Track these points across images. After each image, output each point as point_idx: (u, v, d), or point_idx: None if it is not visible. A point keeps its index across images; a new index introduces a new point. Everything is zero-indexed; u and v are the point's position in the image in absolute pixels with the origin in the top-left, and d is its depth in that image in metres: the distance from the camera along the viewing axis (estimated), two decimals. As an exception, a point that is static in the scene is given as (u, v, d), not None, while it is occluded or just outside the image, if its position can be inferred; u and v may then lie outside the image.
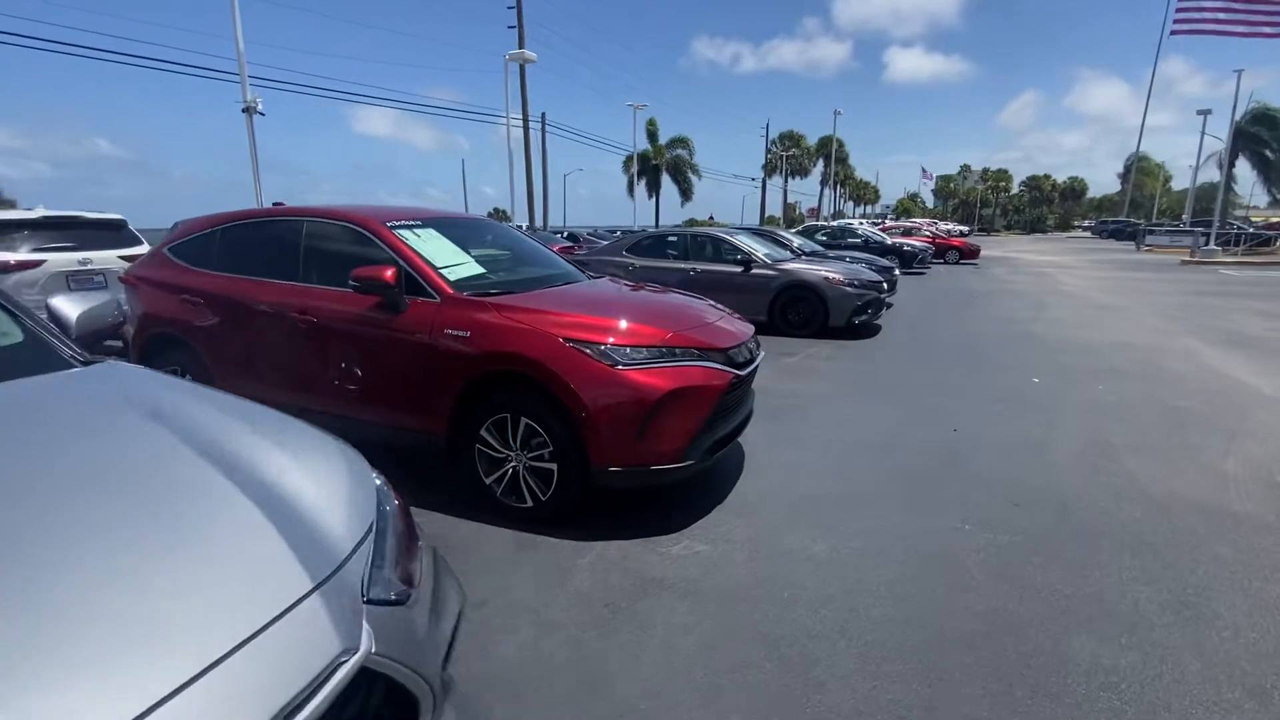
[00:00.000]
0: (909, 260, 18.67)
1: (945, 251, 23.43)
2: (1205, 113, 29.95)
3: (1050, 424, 4.86)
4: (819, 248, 12.50)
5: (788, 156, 50.13)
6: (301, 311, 3.74)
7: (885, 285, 9.04)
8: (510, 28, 30.30)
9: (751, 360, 3.62)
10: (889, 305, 11.56)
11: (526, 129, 31.20)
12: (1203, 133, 30.87)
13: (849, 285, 8.32)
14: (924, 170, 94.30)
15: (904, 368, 6.83)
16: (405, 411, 3.51)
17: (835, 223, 28.01)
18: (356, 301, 3.54)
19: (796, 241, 12.01)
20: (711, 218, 45.29)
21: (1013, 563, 2.90)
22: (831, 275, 8.39)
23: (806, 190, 73.82)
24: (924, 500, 3.57)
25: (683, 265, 9.27)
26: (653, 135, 40.20)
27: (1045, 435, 4.60)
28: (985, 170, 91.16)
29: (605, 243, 11.10)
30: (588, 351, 3.06)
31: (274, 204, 5.25)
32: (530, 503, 3.28)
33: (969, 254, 23.42)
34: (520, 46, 29.00)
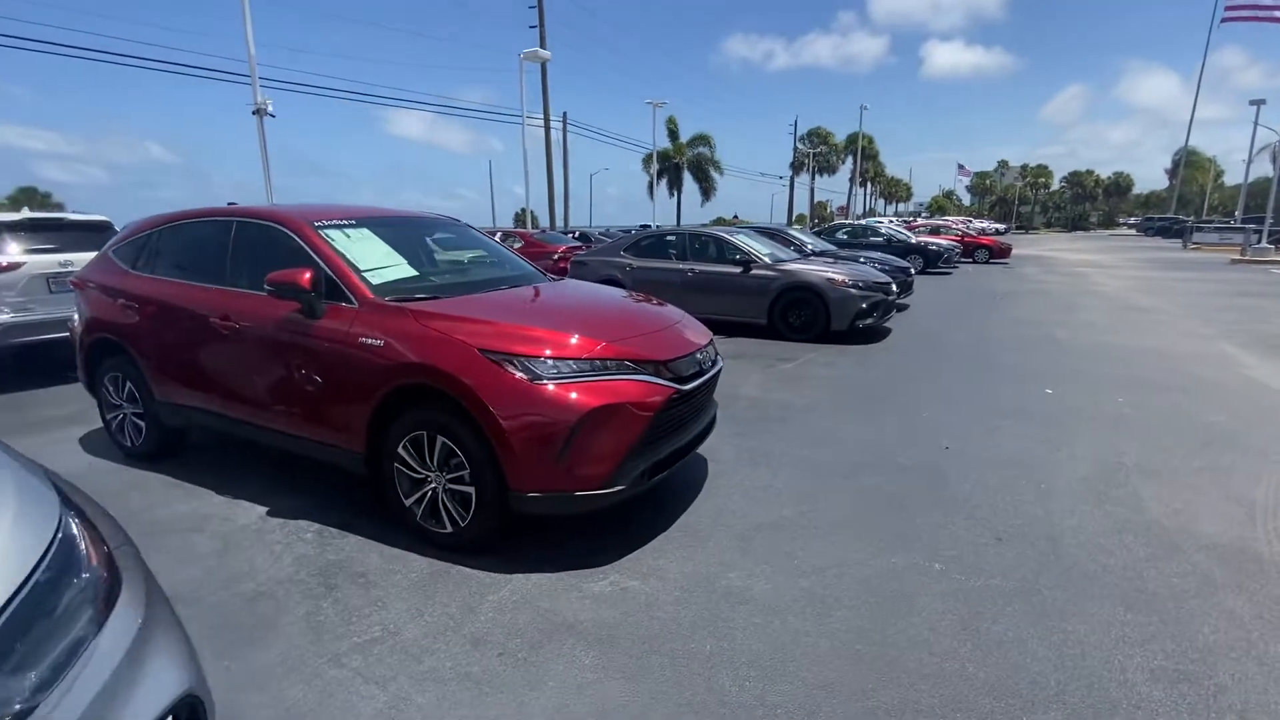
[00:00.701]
0: (933, 260, 17.95)
1: (974, 250, 22.53)
2: (1259, 103, 28.31)
3: (1057, 441, 4.38)
4: (831, 247, 12.00)
5: (815, 154, 49.12)
6: (224, 317, 3.53)
7: (894, 287, 8.53)
8: (531, 27, 30.28)
9: (703, 372, 3.26)
10: (904, 307, 11.03)
11: (548, 129, 31.15)
12: (1255, 124, 29.20)
13: (853, 287, 7.85)
14: (960, 166, 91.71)
15: (906, 376, 6.36)
16: (324, 425, 3.26)
17: (854, 221, 27.24)
18: (275, 307, 3.31)
19: (808, 240, 11.53)
20: (736, 217, 44.68)
21: (982, 614, 2.49)
22: (834, 276, 7.93)
23: (837, 188, 72.40)
24: (895, 531, 3.17)
25: (680, 266, 8.92)
26: (673, 133, 39.72)
27: (1049, 455, 4.14)
28: (1024, 166, 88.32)
29: (606, 243, 10.81)
30: (504, 364, 2.75)
31: (228, 204, 5.07)
32: (449, 528, 2.99)
33: (999, 253, 22.47)
34: (541, 46, 28.93)
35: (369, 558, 3.00)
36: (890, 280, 8.51)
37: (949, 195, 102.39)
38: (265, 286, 3.20)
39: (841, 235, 19.96)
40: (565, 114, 33.91)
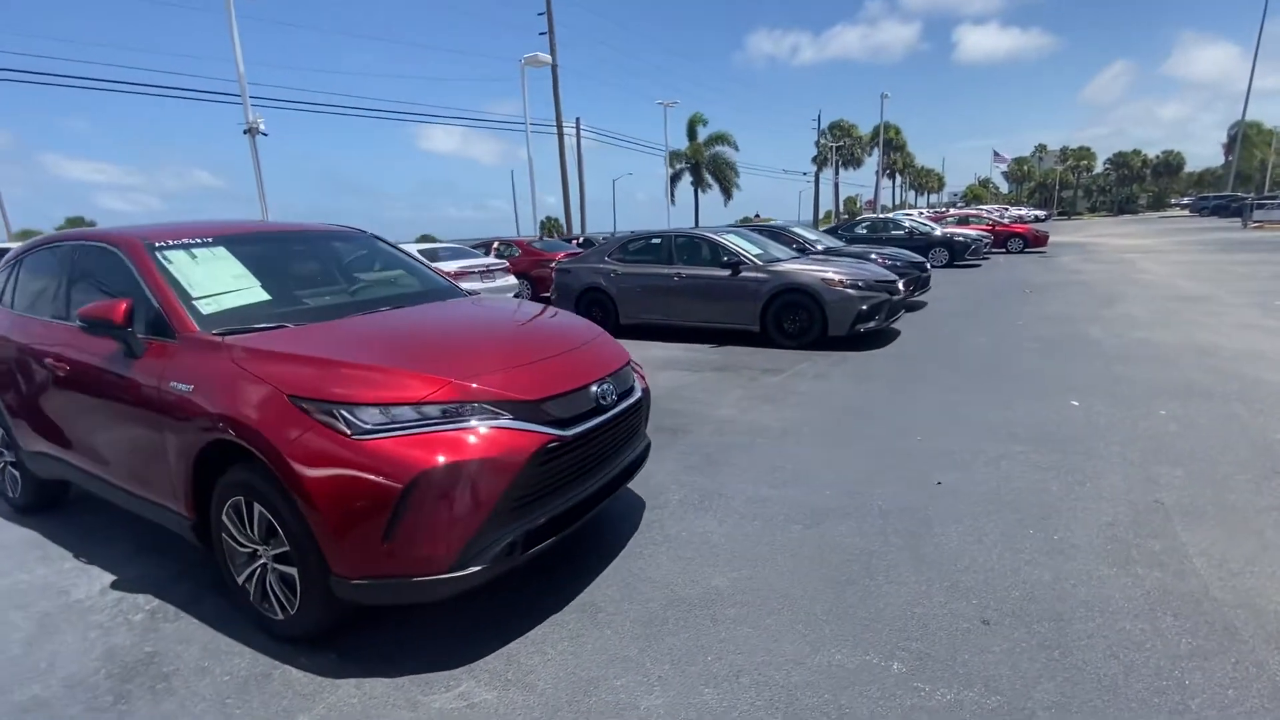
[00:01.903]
0: (959, 252, 16.82)
1: (1006, 240, 21.18)
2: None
3: (1079, 473, 3.57)
4: (839, 244, 11.15)
5: (838, 147, 47.62)
6: (58, 357, 3.03)
7: (901, 285, 7.69)
8: (541, 34, 29.98)
9: (603, 409, 2.60)
10: (919, 306, 10.13)
11: (561, 135, 30.80)
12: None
13: (851, 287, 7.05)
14: (996, 153, 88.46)
15: (908, 389, 5.56)
16: (152, 485, 2.73)
17: (874, 215, 26.10)
18: (102, 345, 2.79)
19: (813, 238, 10.72)
20: (758, 215, 43.62)
21: (943, 755, 1.77)
22: (830, 276, 7.15)
23: (864, 182, 70.29)
24: (850, 609, 2.45)
25: (666, 270, 8.24)
26: (692, 132, 38.92)
27: (1066, 492, 3.34)
28: (1064, 149, 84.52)
29: (592, 249, 10.20)
30: (318, 414, 2.15)
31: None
32: (281, 614, 2.40)
33: (1035, 241, 21.06)
34: (551, 52, 28.64)
35: (189, 650, 2.43)
36: (896, 279, 7.67)
37: (985, 184, 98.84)
38: (77, 321, 2.69)
39: (861, 230, 18.96)
40: (579, 119, 33.52)
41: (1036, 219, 54.37)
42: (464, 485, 2.15)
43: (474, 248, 15.28)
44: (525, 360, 2.58)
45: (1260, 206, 29.87)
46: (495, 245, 14.42)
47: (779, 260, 7.77)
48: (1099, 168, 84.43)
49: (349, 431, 2.12)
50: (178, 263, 2.90)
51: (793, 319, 7.38)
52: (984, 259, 18.64)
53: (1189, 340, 6.75)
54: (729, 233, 8.31)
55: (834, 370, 6.27)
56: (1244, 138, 49.73)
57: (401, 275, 3.84)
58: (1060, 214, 74.13)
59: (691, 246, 8.26)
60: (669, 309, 8.26)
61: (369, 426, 2.13)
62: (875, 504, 3.33)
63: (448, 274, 10.90)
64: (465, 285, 10.91)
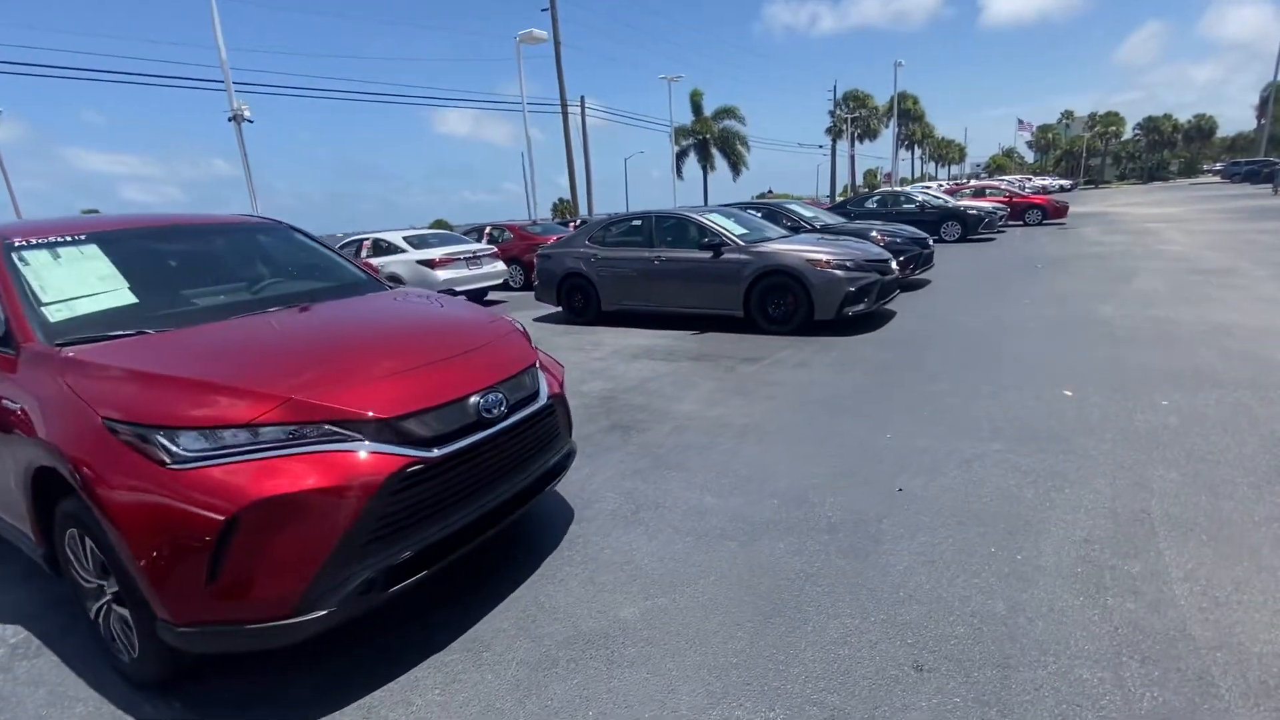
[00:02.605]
0: (972, 225, 16.11)
1: (1025, 212, 20.31)
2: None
3: (1060, 476, 3.20)
4: (840, 220, 10.61)
5: (853, 119, 46.17)
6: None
7: (894, 265, 7.23)
8: (544, 10, 29.27)
9: (486, 423, 2.29)
10: (921, 284, 9.64)
11: (565, 114, 30.22)
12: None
13: (838, 268, 6.62)
14: (1020, 121, 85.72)
15: (890, 378, 5.17)
16: (10, 509, 2.49)
17: (885, 189, 25.31)
18: (-48, 356, 2.54)
19: (809, 215, 10.22)
20: (770, 191, 42.66)
21: None
22: (817, 256, 6.71)
23: (882, 153, 68.20)
24: (766, 650, 2.14)
25: (647, 254, 7.86)
26: (697, 107, 37.88)
27: (1041, 501, 2.97)
28: (1092, 115, 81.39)
29: (573, 232, 9.83)
30: (132, 439, 1.87)
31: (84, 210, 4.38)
32: (126, 657, 2.16)
33: (1054, 212, 20.16)
34: (553, 27, 28.02)
35: (33, 696, 2.21)
36: (888, 258, 7.20)
37: (1010, 153, 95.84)
38: (-91, 333, 2.44)
39: (872, 204, 18.30)
40: (583, 98, 32.83)
41: (1061, 189, 52.47)
42: (300, 519, 1.87)
43: (466, 233, 14.99)
44: (397, 369, 2.27)
45: (1296, 170, 28.33)
46: (488, 230, 14.10)
47: (764, 240, 7.35)
48: (1128, 134, 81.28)
49: (166, 459, 1.84)
50: (35, 265, 2.63)
51: (777, 303, 6.98)
52: (999, 233, 17.90)
53: (1205, 318, 6.24)
54: (711, 212, 7.90)
55: (816, 358, 5.89)
56: (1276, 99, 47.25)
57: (314, 270, 3.54)
58: (1087, 183, 71.59)
59: (672, 228, 7.87)
60: (651, 294, 7.90)
61: (189, 454, 1.85)
62: (825, 516, 3.00)
63: (433, 260, 10.73)
64: (448, 274, 10.68)
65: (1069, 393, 4.39)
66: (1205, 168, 73.97)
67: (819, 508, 3.07)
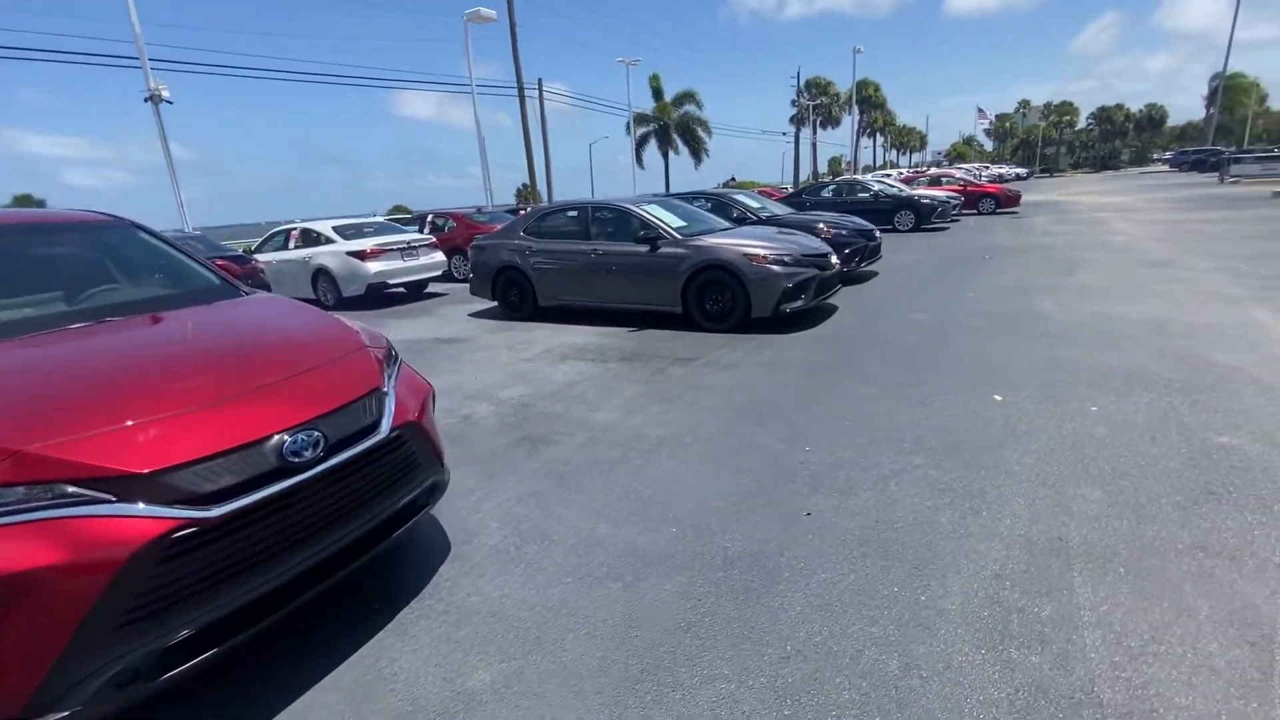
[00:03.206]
0: (926, 215, 16.10)
1: (979, 200, 20.46)
2: (1307, 12, 25.02)
3: (977, 496, 2.97)
4: (787, 211, 10.37)
5: (815, 106, 46.10)
6: None
7: (834, 259, 7.00)
8: (499, -11, 28.26)
9: (296, 469, 1.93)
10: (868, 276, 9.47)
11: (522, 97, 29.40)
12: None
13: (775, 263, 6.35)
14: (980, 110, 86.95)
15: (822, 382, 4.92)
16: None
17: (840, 179, 25.35)
18: None
19: (756, 205, 9.94)
20: (734, 179, 42.42)
21: None
22: (754, 251, 6.43)
23: (844, 141, 68.25)
24: (621, 730, 1.83)
25: (583, 246, 7.49)
26: (657, 91, 37.23)
27: (955, 527, 2.74)
28: (1048, 105, 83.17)
29: (509, 222, 9.38)
30: None
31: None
32: None
33: (1007, 201, 20.35)
34: (509, 7, 27.13)
35: None
36: (828, 252, 6.96)
37: (970, 141, 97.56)
38: None
39: (827, 193, 18.21)
40: (540, 81, 31.94)
41: (1018, 177, 53.47)
42: (21, 605, 1.49)
43: (407, 222, 14.37)
44: (182, 405, 1.88)
45: (1237, 161, 29.23)
46: (430, 218, 13.51)
47: (703, 234, 7.03)
48: (1082, 123, 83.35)
49: None
50: None
51: (715, 299, 6.69)
52: (954, 221, 17.96)
53: (1144, 314, 6.15)
54: (649, 203, 7.53)
55: (750, 359, 5.61)
56: (1225, 89, 48.79)
57: (154, 275, 3.10)
58: (1043, 171, 73.23)
59: (609, 219, 7.50)
60: (588, 289, 7.53)
61: None
62: (723, 547, 2.71)
63: (364, 252, 10.15)
64: (381, 265, 10.12)
65: (999, 398, 4.19)
66: (1155, 156, 76.33)
67: (719, 537, 2.78)
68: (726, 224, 8.00)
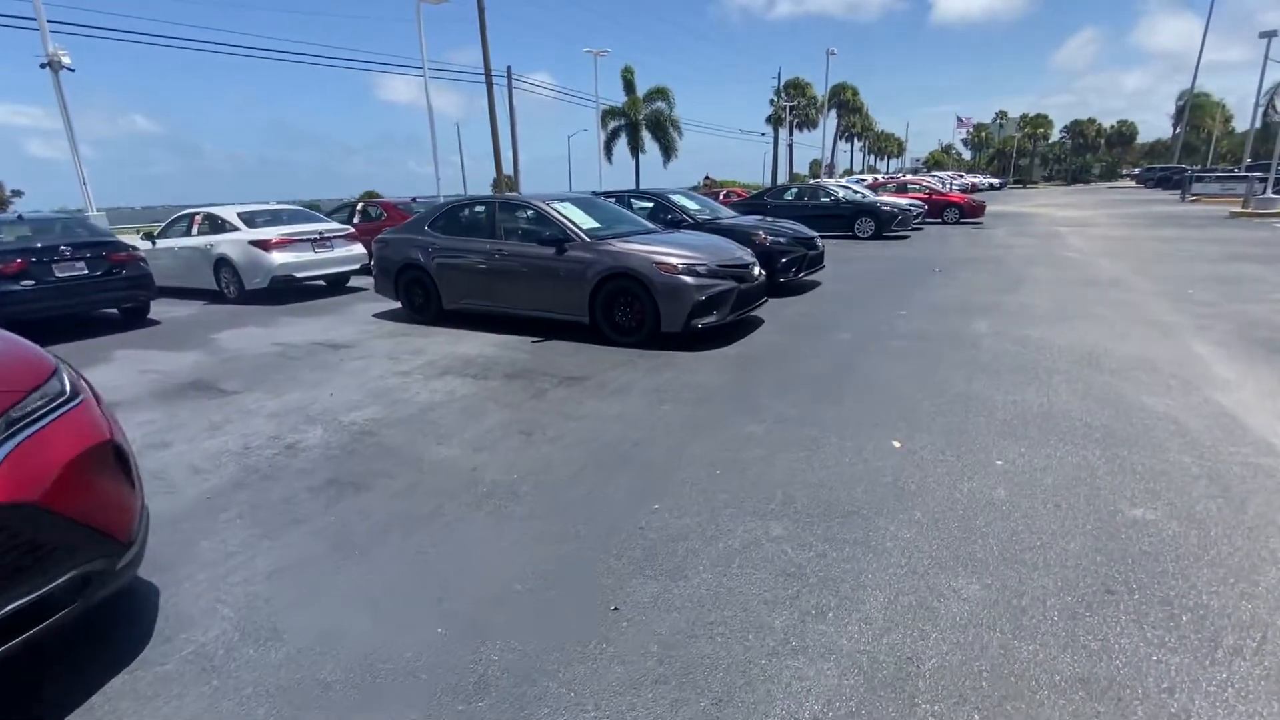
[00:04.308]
0: (886, 222, 15.68)
1: (944, 209, 20.16)
2: (1269, 35, 25.31)
3: (826, 593, 2.39)
4: (728, 214, 9.77)
5: (792, 107, 45.72)
6: None
7: (757, 271, 6.42)
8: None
9: None
10: (811, 286, 8.94)
11: (489, 83, 28.48)
12: (1265, 59, 26.22)
13: (687, 274, 5.74)
14: (959, 119, 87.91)
15: (706, 415, 4.33)
16: None
17: (802, 183, 25.02)
18: None
19: (694, 207, 9.33)
20: (708, 177, 41.88)
21: None
22: (665, 259, 5.81)
23: (826, 144, 68.01)
24: None
25: (488, 245, 6.80)
26: (629, 85, 36.39)
27: (787, 637, 2.14)
28: (1023, 116, 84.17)
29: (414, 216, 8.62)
30: None
31: None
32: None
33: (971, 211, 20.08)
34: (473, -9, 26.18)
35: None
36: (750, 264, 6.38)
37: (948, 150, 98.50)
38: None
39: (789, 196, 17.77)
40: (509, 68, 30.99)
41: (991, 186, 53.83)
42: None
43: (334, 210, 13.50)
44: None
45: (1199, 180, 29.55)
46: (361, 206, 12.67)
47: (615, 237, 6.39)
48: (1056, 136, 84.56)
49: None
50: None
51: (625, 310, 6.06)
52: (916, 230, 17.59)
53: (1078, 341, 5.68)
54: (563, 200, 6.87)
55: (643, 381, 5.00)
56: (1191, 109, 49.65)
57: None
58: (1016, 182, 74.07)
59: (516, 216, 6.83)
60: (493, 293, 6.85)
61: None
62: (486, 660, 2.08)
63: (267, 241, 9.32)
64: (287, 257, 9.26)
65: (897, 444, 3.63)
66: (1124, 172, 77.76)
67: (488, 644, 2.15)
68: (652, 227, 7.36)
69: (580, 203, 7.07)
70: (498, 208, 6.94)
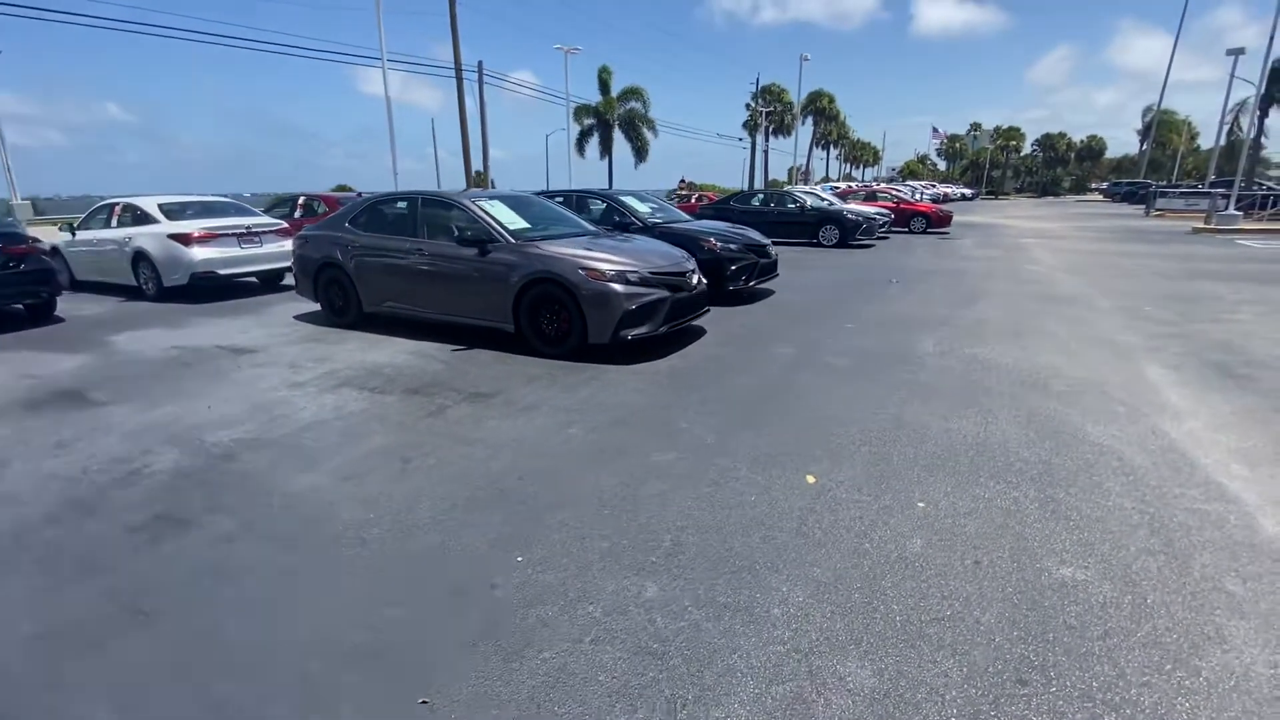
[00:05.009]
0: (851, 230, 15.44)
1: (910, 219, 20.06)
2: (1236, 52, 25.53)
3: (686, 681, 1.97)
4: (682, 218, 9.36)
5: (768, 113, 45.68)
6: None
7: (696, 280, 6.02)
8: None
9: None
10: (764, 294, 8.58)
11: (460, 77, 27.85)
12: (1232, 75, 26.54)
13: (616, 281, 5.31)
14: (934, 130, 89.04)
15: (616, 441, 3.91)
16: None
17: (767, 190, 24.82)
18: None
19: (643, 209, 8.91)
20: (684, 180, 41.56)
21: None
22: (593, 264, 5.38)
23: (802, 151, 68.10)
24: None
25: (408, 244, 6.31)
26: (604, 85, 35.92)
27: (624, 744, 1.72)
28: (996, 128, 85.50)
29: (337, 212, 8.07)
30: None
31: None
32: None
33: (938, 221, 19.99)
34: (443, -17, 25.56)
35: None
36: (686, 271, 5.97)
37: (923, 160, 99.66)
38: None
39: (755, 201, 17.51)
40: (480, 63, 30.39)
41: (963, 197, 54.43)
42: None
43: (275, 205, 12.85)
44: None
45: (1163, 195, 30.01)
46: (302, 201, 12.04)
47: (544, 239, 5.95)
48: (1028, 149, 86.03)
49: None
50: None
51: (551, 318, 5.62)
52: (882, 239, 17.42)
53: (1027, 361, 5.38)
54: (490, 197, 6.41)
55: (557, 400, 4.56)
56: (1158, 125, 50.72)
57: None
58: (988, 193, 75.12)
59: (440, 214, 6.34)
60: (415, 296, 6.36)
61: None
62: (233, 781, 1.62)
63: (188, 235, 8.69)
64: (210, 252, 8.56)
65: (811, 479, 3.24)
66: (1093, 186, 79.37)
67: (246, 755, 1.70)
68: (592, 229, 6.92)
69: (513, 201, 6.61)
70: (420, 204, 6.45)
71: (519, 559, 2.59)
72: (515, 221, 6.09)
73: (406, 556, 2.63)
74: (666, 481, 3.24)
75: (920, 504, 2.99)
